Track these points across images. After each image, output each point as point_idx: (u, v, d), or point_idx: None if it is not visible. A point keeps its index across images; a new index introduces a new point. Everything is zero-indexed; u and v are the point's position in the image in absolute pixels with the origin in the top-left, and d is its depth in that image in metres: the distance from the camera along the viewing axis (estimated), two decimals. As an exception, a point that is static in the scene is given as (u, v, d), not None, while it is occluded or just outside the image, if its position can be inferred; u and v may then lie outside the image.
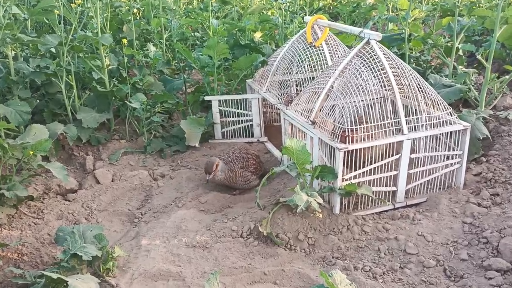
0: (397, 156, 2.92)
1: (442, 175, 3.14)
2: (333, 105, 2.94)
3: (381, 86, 2.94)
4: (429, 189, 3.14)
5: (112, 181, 3.58)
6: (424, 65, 4.89)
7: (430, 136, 3.04)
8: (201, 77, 5.39)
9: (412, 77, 3.03)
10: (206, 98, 4.23)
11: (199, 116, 4.33)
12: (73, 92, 4.05)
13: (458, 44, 4.48)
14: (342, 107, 2.86)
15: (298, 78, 3.93)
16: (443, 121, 3.01)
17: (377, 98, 2.94)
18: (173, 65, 5.42)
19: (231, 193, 3.38)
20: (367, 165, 2.89)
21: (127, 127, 4.27)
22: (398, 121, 2.90)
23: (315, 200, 2.68)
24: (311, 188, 2.90)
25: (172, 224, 2.90)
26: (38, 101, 4.12)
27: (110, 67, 4.28)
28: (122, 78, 4.40)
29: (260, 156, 3.65)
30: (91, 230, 2.52)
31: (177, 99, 4.58)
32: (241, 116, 4.26)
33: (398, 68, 3.01)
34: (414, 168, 3.04)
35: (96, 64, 4.14)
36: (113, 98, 4.17)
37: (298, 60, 3.89)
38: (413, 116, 2.96)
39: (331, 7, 8.52)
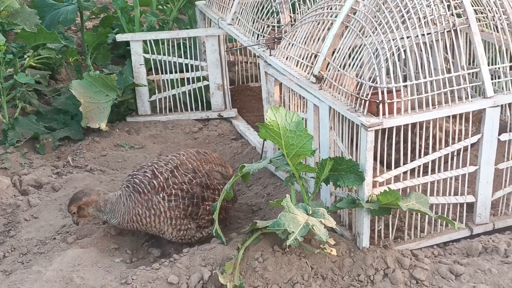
0: (475, 139, 2.95)
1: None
2: (357, 46, 2.95)
3: (443, 7, 2.94)
4: (536, 199, 3.18)
5: None
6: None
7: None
8: (111, -1, 5.35)
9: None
10: (120, 37, 4.23)
11: (107, 73, 4.31)
12: None
13: None
14: (373, 48, 2.86)
15: (293, -3, 3.94)
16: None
17: (436, 32, 2.94)
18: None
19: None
20: (420, 157, 2.89)
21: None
22: (477, 73, 2.92)
23: (323, 224, 2.66)
24: (315, 201, 2.90)
25: (55, 277, 2.89)
26: None
27: None
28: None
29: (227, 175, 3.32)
30: None
31: (65, 41, 4.54)
32: (188, 71, 4.26)
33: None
34: (508, 159, 3.08)
35: None
36: None
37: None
38: (504, 64, 2.99)
39: None
